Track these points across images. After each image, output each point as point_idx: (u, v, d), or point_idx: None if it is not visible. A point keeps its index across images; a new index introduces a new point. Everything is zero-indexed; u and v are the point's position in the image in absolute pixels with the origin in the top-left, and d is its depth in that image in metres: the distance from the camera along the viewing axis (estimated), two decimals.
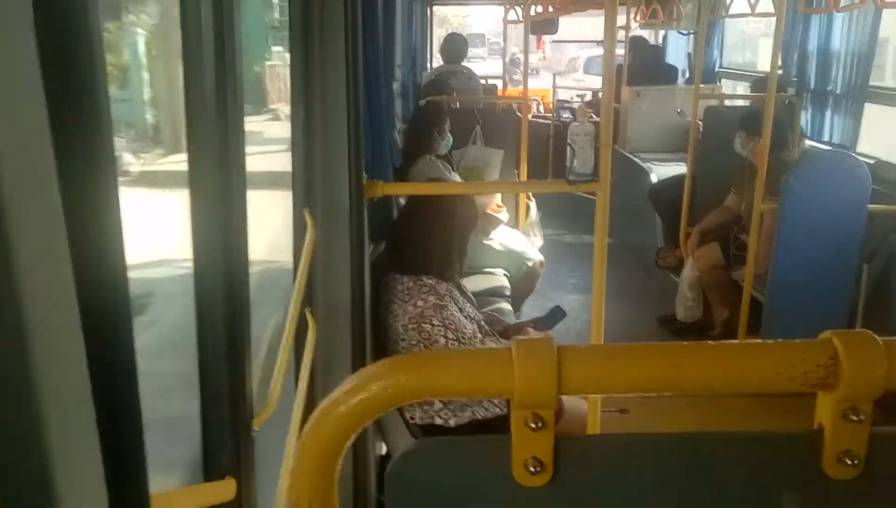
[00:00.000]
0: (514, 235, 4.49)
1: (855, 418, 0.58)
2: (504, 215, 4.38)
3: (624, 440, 0.62)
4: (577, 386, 0.58)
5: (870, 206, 3.53)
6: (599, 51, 9.58)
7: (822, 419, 0.60)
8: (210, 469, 1.31)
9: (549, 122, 7.50)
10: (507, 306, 3.81)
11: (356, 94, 2.11)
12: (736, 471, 0.62)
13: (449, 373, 0.57)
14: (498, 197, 4.36)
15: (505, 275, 4.15)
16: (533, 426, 0.58)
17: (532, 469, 0.59)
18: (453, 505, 0.61)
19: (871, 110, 4.27)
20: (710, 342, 0.60)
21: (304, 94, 2.07)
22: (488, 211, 4.30)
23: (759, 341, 0.59)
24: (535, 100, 8.32)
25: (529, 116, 5.34)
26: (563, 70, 15.73)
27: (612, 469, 0.61)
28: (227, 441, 1.33)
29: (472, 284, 3.62)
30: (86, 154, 0.57)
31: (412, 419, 2.49)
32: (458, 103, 5.34)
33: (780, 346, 0.58)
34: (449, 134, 4.13)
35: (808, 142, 4.69)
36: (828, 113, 4.53)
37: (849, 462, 0.59)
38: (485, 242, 4.20)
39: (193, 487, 1.21)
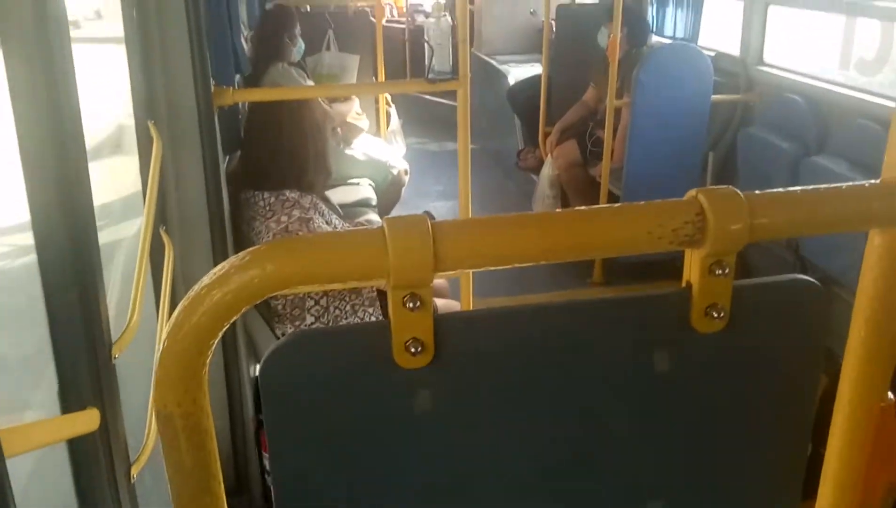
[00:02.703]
0: (376, 143, 4.41)
1: (720, 271, 0.60)
2: (364, 123, 4.28)
3: (500, 313, 0.61)
4: (453, 262, 0.56)
5: (713, 96, 3.72)
6: None
7: (690, 277, 0.61)
8: (68, 401, 1.23)
9: (403, 26, 7.32)
10: (374, 216, 3.77)
11: None
12: (611, 334, 0.63)
13: (320, 258, 0.53)
14: (357, 105, 4.24)
15: (370, 185, 4.09)
16: (411, 305, 0.55)
17: (413, 350, 0.57)
18: (333, 396, 0.59)
19: (709, 4, 4.44)
20: (582, 208, 0.60)
21: None
22: (348, 119, 4.18)
23: (629, 203, 0.59)
24: (388, 4, 8.08)
25: (383, 20, 5.16)
26: None
27: (491, 342, 0.61)
28: (85, 371, 1.24)
29: (338, 196, 3.54)
30: None
31: (283, 335, 2.45)
32: (308, 7, 5.08)
33: (649, 206, 0.58)
34: (301, 39, 3.93)
35: (654, 37, 4.85)
36: (669, 9, 4.69)
37: (715, 315, 0.61)
38: (347, 152, 4.10)
39: (50, 420, 1.12)
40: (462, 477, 0.64)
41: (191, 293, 0.51)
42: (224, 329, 0.53)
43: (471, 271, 2.44)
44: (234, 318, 0.53)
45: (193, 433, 0.55)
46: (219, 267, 0.52)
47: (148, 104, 1.91)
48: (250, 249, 0.53)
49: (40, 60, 1.07)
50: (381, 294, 2.63)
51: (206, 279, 0.52)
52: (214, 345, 0.53)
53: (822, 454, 0.71)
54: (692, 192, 0.59)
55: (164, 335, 0.52)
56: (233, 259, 0.53)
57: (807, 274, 0.65)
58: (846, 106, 3.26)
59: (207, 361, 0.53)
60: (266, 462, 2.59)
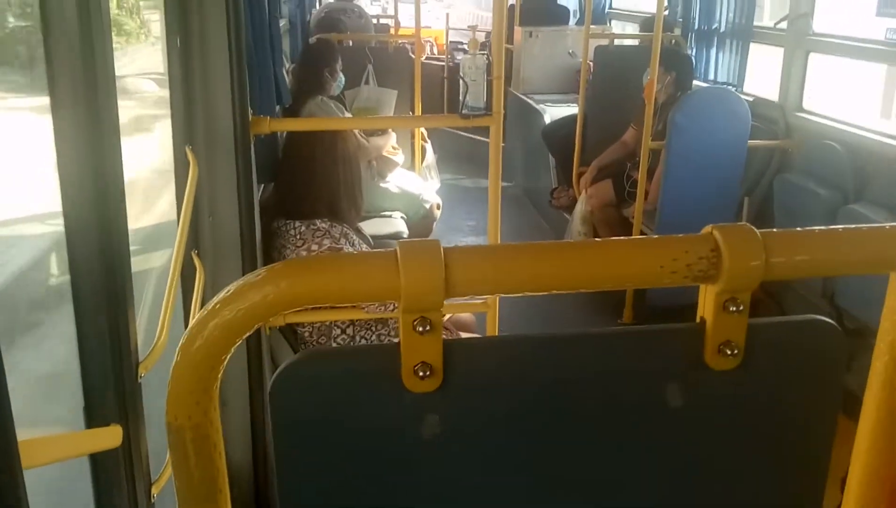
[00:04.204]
0: (410, 177, 4.45)
1: (734, 308, 0.59)
2: (400, 158, 4.33)
3: (511, 341, 0.61)
4: (465, 287, 0.56)
5: (750, 141, 3.70)
6: None
7: (704, 313, 0.61)
8: (93, 416, 1.25)
9: (442, 63, 7.43)
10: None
11: (237, 25, 1.99)
12: (623, 367, 0.62)
13: (333, 277, 0.54)
14: (393, 139, 4.30)
15: (402, 218, 4.13)
16: (420, 329, 0.56)
17: (421, 374, 0.57)
18: (341, 416, 0.59)
19: (754, 50, 4.43)
20: (596, 239, 0.60)
21: (179, 23, 1.94)
22: (384, 153, 4.24)
23: (644, 236, 0.59)
24: (429, 41, 8.21)
25: (423, 56, 5.25)
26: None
27: (501, 370, 0.61)
28: (111, 389, 1.26)
29: (371, 227, 3.58)
30: None
31: None
32: (350, 42, 5.19)
33: (664, 240, 0.58)
34: (341, 74, 4.01)
35: (695, 82, 4.85)
36: (713, 52, 4.69)
37: (729, 352, 0.61)
38: (381, 185, 4.14)
39: (72, 433, 1.14)
40: (470, 501, 0.63)
41: (205, 308, 0.53)
42: (237, 345, 0.53)
43: (496, 306, 2.44)
44: (247, 334, 0.54)
45: (203, 446, 0.55)
46: (234, 284, 0.53)
47: (186, 129, 1.96)
48: (265, 267, 0.54)
49: (84, 84, 1.11)
50: None
51: (220, 295, 0.53)
52: (227, 360, 0.54)
53: None
54: (708, 228, 0.59)
55: (177, 349, 0.54)
56: (248, 276, 0.54)
57: (842, 323, 0.64)
58: (886, 154, 3.21)
59: (219, 376, 0.54)
60: None
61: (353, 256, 0.56)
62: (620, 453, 0.64)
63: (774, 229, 0.59)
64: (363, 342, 2.54)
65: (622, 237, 0.60)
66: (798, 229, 0.59)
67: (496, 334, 2.48)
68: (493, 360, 0.60)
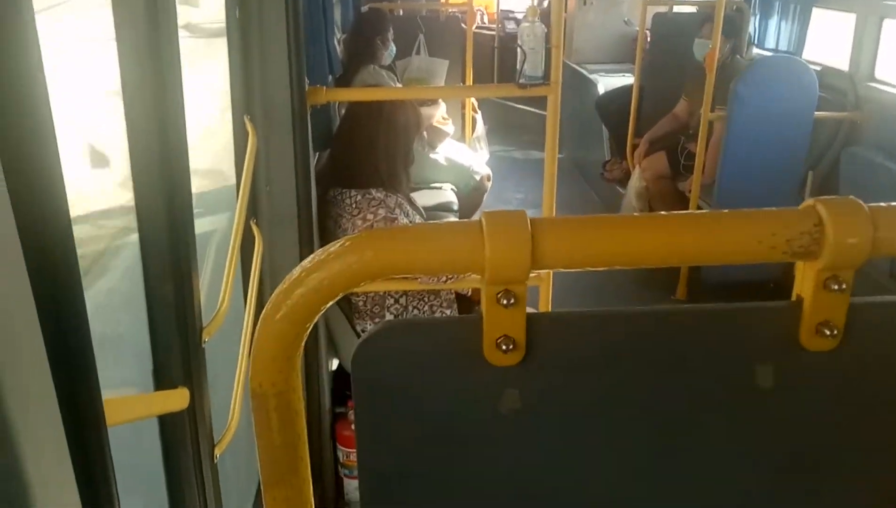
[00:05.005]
0: (460, 148, 4.42)
1: (836, 287, 0.56)
2: (450, 128, 4.30)
3: (597, 315, 0.59)
4: (552, 260, 0.55)
5: (816, 113, 3.56)
6: None
7: (802, 290, 0.58)
8: (161, 380, 1.28)
9: (493, 33, 7.33)
10: (455, 220, 3.78)
11: None
12: (711, 345, 0.60)
13: (417, 248, 0.53)
14: (443, 109, 4.27)
15: (452, 190, 4.10)
16: (505, 302, 0.54)
17: (504, 348, 0.56)
18: (422, 386, 0.58)
19: (816, 16, 4.26)
20: (688, 211, 0.57)
21: None
22: (434, 123, 4.21)
23: (740, 210, 0.56)
24: (480, 10, 8.10)
25: (474, 26, 5.18)
26: None
27: (585, 345, 0.59)
28: (177, 352, 1.29)
29: (420, 199, 3.56)
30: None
31: (363, 331, 2.48)
32: (401, 11, 5.15)
33: (763, 214, 0.55)
34: (392, 43, 3.98)
35: (755, 50, 4.69)
36: (774, 19, 4.52)
37: (827, 333, 0.58)
38: (431, 156, 4.12)
39: (145, 395, 1.17)
40: (546, 481, 0.62)
41: (290, 276, 0.52)
42: (320, 314, 0.53)
43: (550, 279, 2.41)
44: (331, 303, 0.53)
45: (285, 412, 0.55)
46: (319, 251, 0.53)
47: (245, 100, 1.97)
48: (350, 235, 0.53)
49: (151, 61, 1.11)
50: (460, 297, 2.62)
51: (306, 263, 0.52)
52: (310, 328, 0.54)
53: None
54: (810, 201, 0.56)
55: (260, 317, 0.53)
56: (332, 245, 0.53)
57: None
58: None
59: (303, 343, 0.54)
60: (340, 454, 2.63)
61: (437, 226, 0.54)
62: (707, 436, 0.62)
63: (883, 204, 0.55)
64: (416, 311, 2.54)
65: (716, 211, 0.57)
66: None
67: (549, 307, 2.46)
68: (577, 336, 0.58)
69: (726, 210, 0.57)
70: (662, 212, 0.57)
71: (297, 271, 0.52)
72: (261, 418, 0.55)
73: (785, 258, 0.55)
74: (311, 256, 0.53)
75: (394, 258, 0.53)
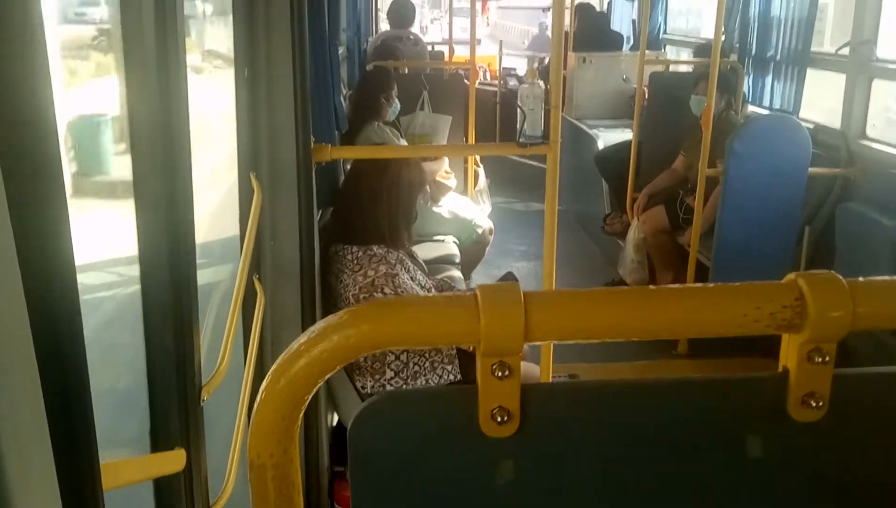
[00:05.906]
0: (462, 202, 4.47)
1: (819, 359, 0.58)
2: (452, 182, 4.35)
3: (590, 387, 0.61)
4: (545, 333, 0.56)
5: (810, 169, 3.62)
6: (545, 31, 9.52)
7: (787, 362, 0.59)
8: (159, 439, 1.27)
9: (495, 89, 7.47)
10: (457, 273, 3.80)
11: (302, 55, 2.05)
12: (701, 416, 0.61)
13: (413, 320, 0.55)
14: (446, 164, 4.33)
15: (454, 242, 4.14)
16: (499, 374, 0.56)
17: (499, 419, 0.57)
18: (418, 458, 0.59)
19: (809, 76, 4.36)
20: (677, 285, 0.59)
21: (248, 54, 2.00)
22: (437, 178, 4.27)
23: (725, 284, 0.58)
24: (482, 67, 8.28)
25: (476, 82, 5.29)
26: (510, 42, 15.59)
27: (578, 416, 0.60)
28: (175, 412, 1.29)
29: (422, 251, 3.59)
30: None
31: (363, 388, 2.48)
32: (405, 69, 5.26)
33: (747, 288, 0.57)
34: (396, 100, 4.07)
35: (750, 107, 4.78)
36: (769, 79, 4.61)
37: (813, 404, 0.59)
38: (434, 209, 4.17)
39: (143, 458, 1.17)
40: None
41: (289, 349, 0.54)
42: (319, 385, 0.54)
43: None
44: (329, 375, 0.55)
45: (282, 484, 0.56)
46: (317, 324, 0.54)
47: (251, 157, 2.01)
48: (347, 309, 0.55)
49: (160, 98, 1.15)
50: (461, 352, 2.63)
51: (303, 337, 0.54)
52: (309, 399, 0.55)
53: None
54: (791, 275, 0.58)
55: (260, 388, 0.55)
56: (330, 318, 0.55)
57: None
58: None
59: (301, 414, 0.55)
60: None
61: (433, 299, 0.56)
62: (698, 503, 0.62)
63: (861, 279, 0.57)
64: (416, 367, 2.54)
65: (702, 284, 0.59)
66: (886, 277, 0.58)
67: (550, 362, 2.46)
68: (570, 406, 0.60)
69: (711, 284, 0.59)
70: (652, 286, 0.59)
71: (295, 344, 0.54)
72: (258, 489, 0.56)
73: (769, 331, 0.57)
74: (310, 328, 0.54)
75: (390, 331, 0.55)
